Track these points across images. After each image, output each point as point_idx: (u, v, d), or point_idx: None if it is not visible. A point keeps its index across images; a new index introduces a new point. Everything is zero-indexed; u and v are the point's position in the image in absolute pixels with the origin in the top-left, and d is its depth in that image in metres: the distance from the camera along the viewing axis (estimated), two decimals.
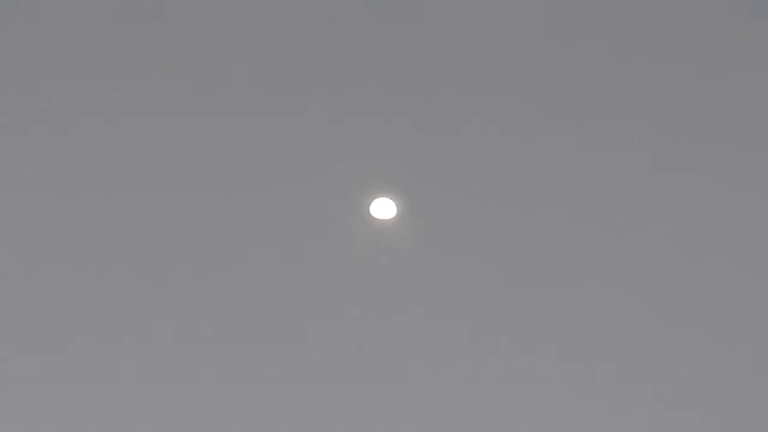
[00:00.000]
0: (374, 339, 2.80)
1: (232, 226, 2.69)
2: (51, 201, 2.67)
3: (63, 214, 2.68)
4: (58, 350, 2.77)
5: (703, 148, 2.66)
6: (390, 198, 2.67)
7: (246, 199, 2.66)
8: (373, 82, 2.58)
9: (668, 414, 2.85)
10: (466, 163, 2.64)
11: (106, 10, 2.54)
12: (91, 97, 2.60)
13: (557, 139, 2.63)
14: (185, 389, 2.82)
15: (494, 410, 2.86)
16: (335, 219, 2.68)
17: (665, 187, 2.68)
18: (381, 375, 2.84)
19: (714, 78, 2.60)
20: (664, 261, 2.74)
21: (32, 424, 2.82)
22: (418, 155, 2.64)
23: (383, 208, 2.68)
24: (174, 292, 2.75)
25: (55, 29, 2.55)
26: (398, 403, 2.86)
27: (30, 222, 2.68)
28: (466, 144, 2.63)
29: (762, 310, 2.77)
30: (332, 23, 2.54)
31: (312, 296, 2.75)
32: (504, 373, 2.83)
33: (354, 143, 2.62)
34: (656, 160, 2.66)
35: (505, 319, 2.78)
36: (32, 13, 2.52)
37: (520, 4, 2.55)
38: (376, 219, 2.69)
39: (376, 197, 2.67)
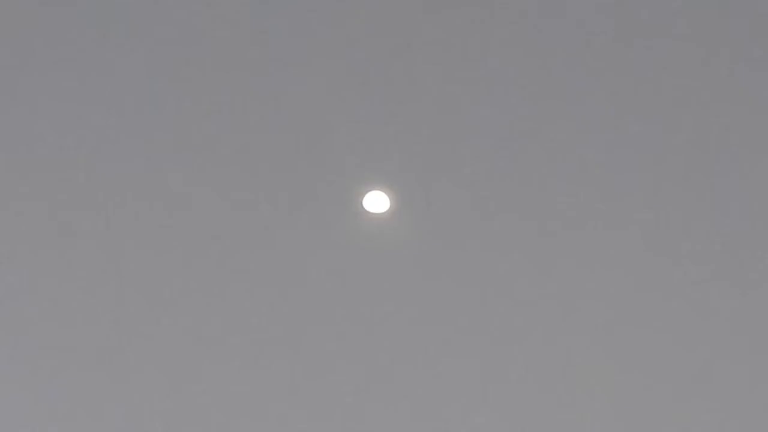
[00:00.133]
0: (368, 334, 2.79)
1: (222, 220, 2.69)
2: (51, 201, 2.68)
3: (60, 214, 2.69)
4: (58, 349, 2.79)
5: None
6: (383, 192, 2.67)
7: (236, 193, 2.66)
8: (365, 75, 2.58)
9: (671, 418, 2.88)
10: (460, 156, 2.64)
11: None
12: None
13: (557, 130, 2.62)
14: (174, 386, 2.82)
15: (491, 407, 2.84)
16: (328, 213, 2.68)
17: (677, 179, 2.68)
18: (374, 371, 2.82)
19: None
20: (679, 258, 2.74)
21: (32, 423, 2.84)
22: (412, 148, 2.63)
23: (376, 202, 2.68)
24: (163, 287, 2.74)
25: None
26: (392, 400, 2.84)
27: (30, 221, 2.69)
28: (461, 137, 2.62)
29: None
30: (326, 19, 2.55)
31: (305, 290, 2.74)
32: (501, 369, 2.81)
33: (347, 136, 2.62)
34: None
35: (502, 314, 2.77)
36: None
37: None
38: (370, 213, 2.69)
39: (369, 191, 2.67)
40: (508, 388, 2.82)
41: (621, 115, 2.61)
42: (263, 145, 2.62)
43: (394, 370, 2.82)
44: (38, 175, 2.64)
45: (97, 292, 2.73)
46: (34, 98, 2.58)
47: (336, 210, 2.68)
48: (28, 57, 2.55)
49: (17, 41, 2.54)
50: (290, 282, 2.74)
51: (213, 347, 2.79)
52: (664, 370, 2.80)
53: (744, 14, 2.56)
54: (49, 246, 2.69)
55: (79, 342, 2.77)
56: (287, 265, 2.72)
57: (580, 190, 2.66)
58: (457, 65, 2.57)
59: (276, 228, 2.69)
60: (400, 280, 2.74)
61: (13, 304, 2.74)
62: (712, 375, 2.80)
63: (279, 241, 2.70)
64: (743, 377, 2.80)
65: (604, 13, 2.55)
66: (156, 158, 2.63)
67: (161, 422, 2.84)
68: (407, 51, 2.56)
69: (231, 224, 2.69)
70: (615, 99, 2.60)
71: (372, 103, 2.59)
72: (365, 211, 2.68)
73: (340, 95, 2.59)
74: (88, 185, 2.64)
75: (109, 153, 2.62)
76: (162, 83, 2.56)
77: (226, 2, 2.52)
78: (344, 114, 2.61)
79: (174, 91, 2.58)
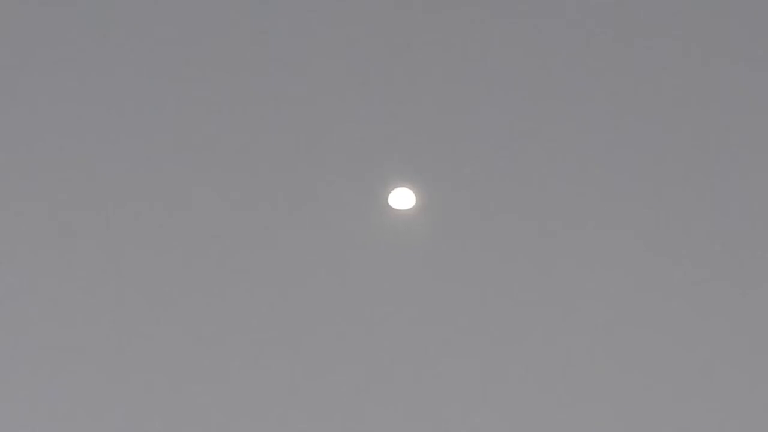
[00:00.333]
0: (392, 331, 2.79)
1: (222, 220, 2.68)
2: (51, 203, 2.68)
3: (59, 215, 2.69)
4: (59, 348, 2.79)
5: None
6: (409, 188, 2.66)
7: (261, 188, 2.66)
8: (392, 71, 2.58)
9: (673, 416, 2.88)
10: (460, 156, 2.64)
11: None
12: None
13: (557, 130, 2.62)
14: (174, 386, 2.82)
15: (491, 407, 2.85)
16: (353, 209, 2.67)
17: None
18: (374, 371, 2.82)
19: None
20: (679, 258, 2.74)
21: (32, 423, 2.84)
22: (438, 145, 2.62)
23: (402, 199, 2.67)
24: (163, 287, 2.74)
25: None
26: (392, 400, 2.85)
27: (30, 221, 2.70)
28: (461, 137, 2.62)
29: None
30: (326, 19, 2.55)
31: (329, 287, 2.74)
32: (501, 369, 2.82)
33: (373, 133, 2.61)
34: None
35: (526, 312, 2.77)
36: None
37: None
38: (395, 209, 2.68)
39: (394, 187, 2.66)
40: (508, 388, 2.83)
41: (621, 115, 2.61)
42: (263, 144, 2.62)
43: (394, 370, 2.82)
44: (38, 175, 2.64)
45: (97, 292, 2.73)
46: (34, 98, 2.58)
47: (361, 206, 2.68)
48: (28, 57, 2.55)
49: (17, 41, 2.54)
50: (292, 282, 2.74)
51: (213, 347, 2.79)
52: (664, 370, 2.80)
53: (744, 14, 2.56)
54: (49, 246, 2.69)
55: (79, 342, 2.77)
56: (312, 260, 2.72)
57: (580, 190, 2.66)
58: (487, 66, 2.57)
59: (300, 224, 2.69)
60: (425, 276, 2.75)
61: (13, 304, 2.74)
62: (712, 375, 2.80)
63: (303, 238, 2.70)
64: (743, 377, 2.80)
65: (604, 13, 2.55)
66: (156, 158, 2.63)
67: (161, 422, 2.84)
68: (438, 48, 2.56)
69: (232, 224, 2.69)
70: (615, 99, 2.60)
71: (399, 99, 2.59)
72: (391, 207, 2.67)
73: (340, 95, 2.59)
74: (88, 185, 2.65)
75: (109, 153, 2.62)
76: (162, 83, 2.56)
77: (226, 2, 2.53)
78: (370, 110, 2.60)
79: (174, 91, 2.58)
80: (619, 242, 2.71)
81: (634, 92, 2.59)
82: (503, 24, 2.54)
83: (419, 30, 2.54)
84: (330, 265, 2.72)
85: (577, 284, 2.74)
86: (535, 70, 2.57)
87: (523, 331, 2.78)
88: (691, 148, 2.63)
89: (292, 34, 2.54)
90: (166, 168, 2.64)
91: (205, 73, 2.57)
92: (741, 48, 2.58)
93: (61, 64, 2.56)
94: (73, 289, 2.73)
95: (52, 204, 2.66)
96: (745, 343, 2.78)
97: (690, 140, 2.63)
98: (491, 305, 2.76)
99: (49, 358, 2.78)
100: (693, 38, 2.57)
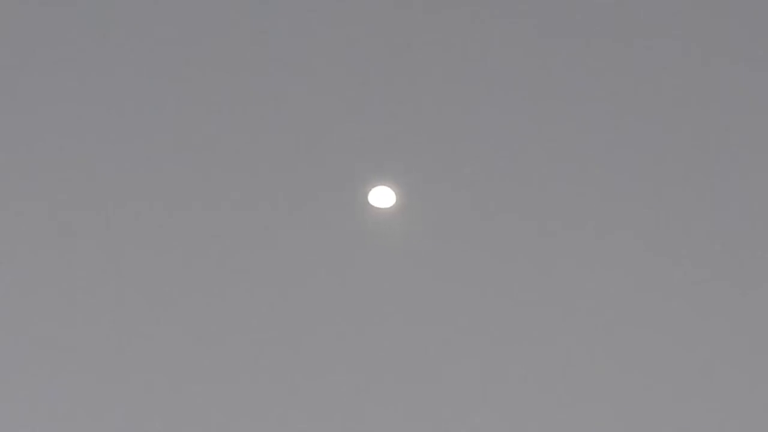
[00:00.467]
0: (372, 330, 2.79)
1: (226, 215, 2.68)
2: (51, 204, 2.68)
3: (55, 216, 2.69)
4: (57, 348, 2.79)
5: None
6: (389, 187, 2.66)
7: (261, 188, 2.66)
8: (392, 71, 2.57)
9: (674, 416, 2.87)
10: (460, 156, 2.63)
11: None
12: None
13: (557, 130, 2.62)
14: (174, 386, 2.82)
15: (491, 407, 2.85)
16: (333, 208, 2.67)
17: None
18: (374, 371, 2.82)
19: None
20: (679, 258, 2.74)
21: (32, 423, 2.84)
22: (417, 143, 2.62)
23: (382, 197, 2.67)
24: (163, 287, 2.74)
25: None
26: (392, 400, 2.84)
27: (30, 221, 2.70)
28: (461, 137, 2.62)
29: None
30: (326, 19, 2.55)
31: (330, 287, 2.74)
32: (501, 369, 2.81)
33: (352, 131, 2.61)
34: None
35: (507, 311, 2.77)
36: None
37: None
38: (375, 208, 2.69)
39: (374, 186, 2.66)
40: (508, 388, 2.83)
41: (621, 115, 2.61)
42: (263, 144, 2.62)
43: (394, 370, 2.82)
44: (38, 175, 2.64)
45: (97, 292, 2.73)
46: (34, 98, 2.58)
47: (342, 205, 2.68)
48: (28, 57, 2.55)
49: (17, 41, 2.54)
50: (291, 281, 2.74)
51: (213, 347, 2.79)
52: (664, 370, 2.80)
53: (744, 14, 2.56)
54: (49, 246, 2.69)
55: (79, 342, 2.77)
56: (292, 259, 2.72)
57: (580, 190, 2.66)
58: (466, 64, 2.57)
59: (280, 223, 2.68)
60: (405, 274, 2.75)
61: (13, 304, 2.74)
62: (712, 375, 2.81)
63: (283, 237, 2.70)
64: (743, 377, 2.80)
65: (604, 13, 2.55)
66: (156, 158, 2.63)
67: (161, 422, 2.84)
68: (417, 49, 2.55)
69: (231, 224, 2.69)
70: (615, 99, 2.60)
71: (372, 102, 2.59)
72: (371, 206, 2.67)
73: (340, 95, 2.59)
74: (88, 185, 2.65)
75: (109, 153, 2.62)
76: (162, 83, 2.56)
77: (226, 2, 2.53)
78: (343, 114, 2.60)
79: (174, 91, 2.57)
80: (619, 242, 2.71)
81: (634, 92, 2.59)
82: (503, 24, 2.54)
83: (419, 30, 2.54)
84: (330, 265, 2.72)
85: (577, 284, 2.74)
86: (535, 70, 2.57)
87: (523, 331, 2.78)
88: (691, 148, 2.63)
89: (292, 34, 2.54)
90: (166, 168, 2.63)
91: (205, 73, 2.56)
92: (741, 48, 2.58)
93: (61, 64, 2.56)
94: (73, 289, 2.73)
95: (52, 204, 2.66)
96: (745, 343, 2.77)
97: (690, 140, 2.63)
98: (493, 305, 2.76)
99: (49, 358, 2.78)
100: (693, 38, 2.56)
